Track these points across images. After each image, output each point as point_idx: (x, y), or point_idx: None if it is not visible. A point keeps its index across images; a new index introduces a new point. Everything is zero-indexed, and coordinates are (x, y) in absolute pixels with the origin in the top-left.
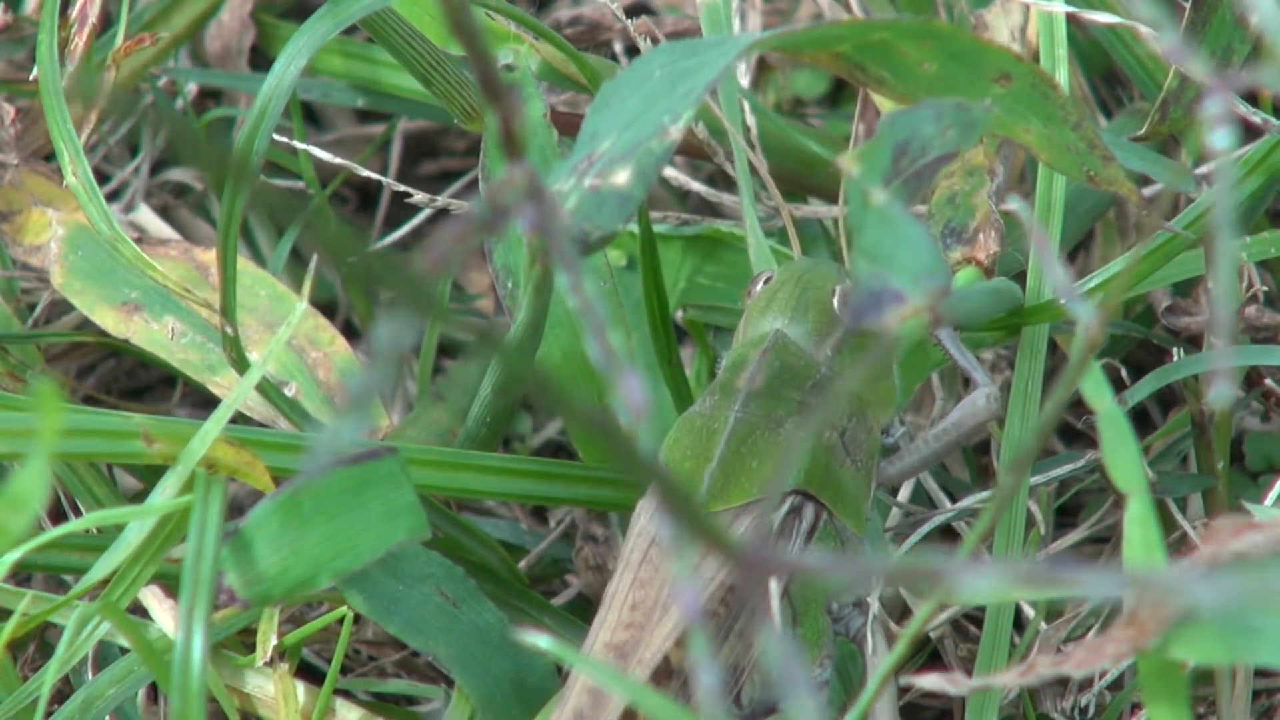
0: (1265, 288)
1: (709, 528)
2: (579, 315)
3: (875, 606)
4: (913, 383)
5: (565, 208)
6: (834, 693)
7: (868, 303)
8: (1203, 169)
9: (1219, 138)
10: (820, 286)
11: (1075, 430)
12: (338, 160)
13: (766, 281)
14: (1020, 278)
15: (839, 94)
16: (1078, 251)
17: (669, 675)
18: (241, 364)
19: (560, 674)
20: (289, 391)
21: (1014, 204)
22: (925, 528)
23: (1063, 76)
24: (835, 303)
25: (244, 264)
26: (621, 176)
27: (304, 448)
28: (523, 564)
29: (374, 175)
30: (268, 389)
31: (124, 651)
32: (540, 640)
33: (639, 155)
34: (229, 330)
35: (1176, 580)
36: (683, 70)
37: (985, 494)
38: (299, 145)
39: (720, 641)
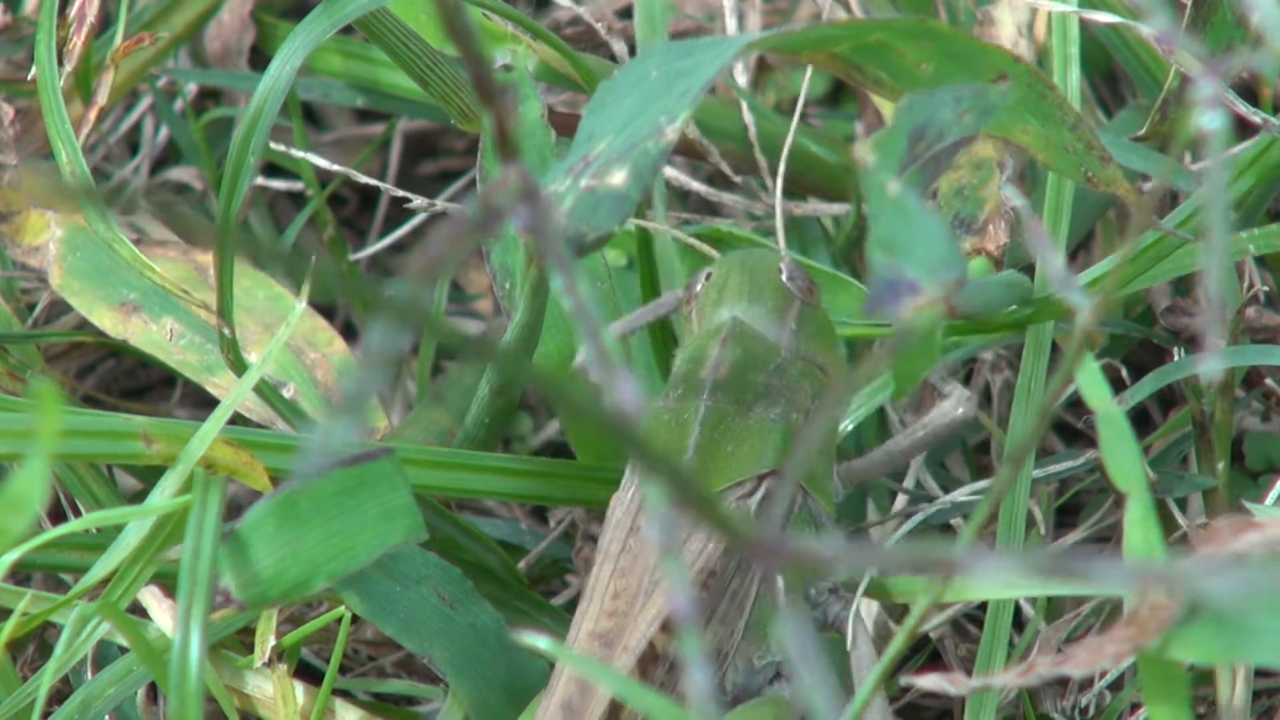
0: (1266, 288)
1: (714, 509)
2: (572, 318)
3: (859, 600)
4: (917, 372)
5: (562, 209)
6: None
7: (884, 293)
8: (1200, 165)
9: (1209, 120)
10: (767, 268)
11: (1075, 430)
12: (335, 167)
13: (708, 277)
14: (1028, 271)
15: (839, 94)
16: (1078, 251)
17: (655, 661)
18: (239, 366)
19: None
20: (287, 393)
21: (1018, 202)
22: (919, 516)
23: (1073, 75)
24: (785, 279)
25: (241, 265)
26: (618, 177)
27: (301, 449)
28: (522, 564)
29: (372, 181)
30: (265, 390)
31: (123, 651)
32: (540, 641)
33: (635, 156)
34: (226, 332)
35: (1183, 573)
36: (679, 70)
37: (983, 483)
38: (297, 154)
39: (702, 627)
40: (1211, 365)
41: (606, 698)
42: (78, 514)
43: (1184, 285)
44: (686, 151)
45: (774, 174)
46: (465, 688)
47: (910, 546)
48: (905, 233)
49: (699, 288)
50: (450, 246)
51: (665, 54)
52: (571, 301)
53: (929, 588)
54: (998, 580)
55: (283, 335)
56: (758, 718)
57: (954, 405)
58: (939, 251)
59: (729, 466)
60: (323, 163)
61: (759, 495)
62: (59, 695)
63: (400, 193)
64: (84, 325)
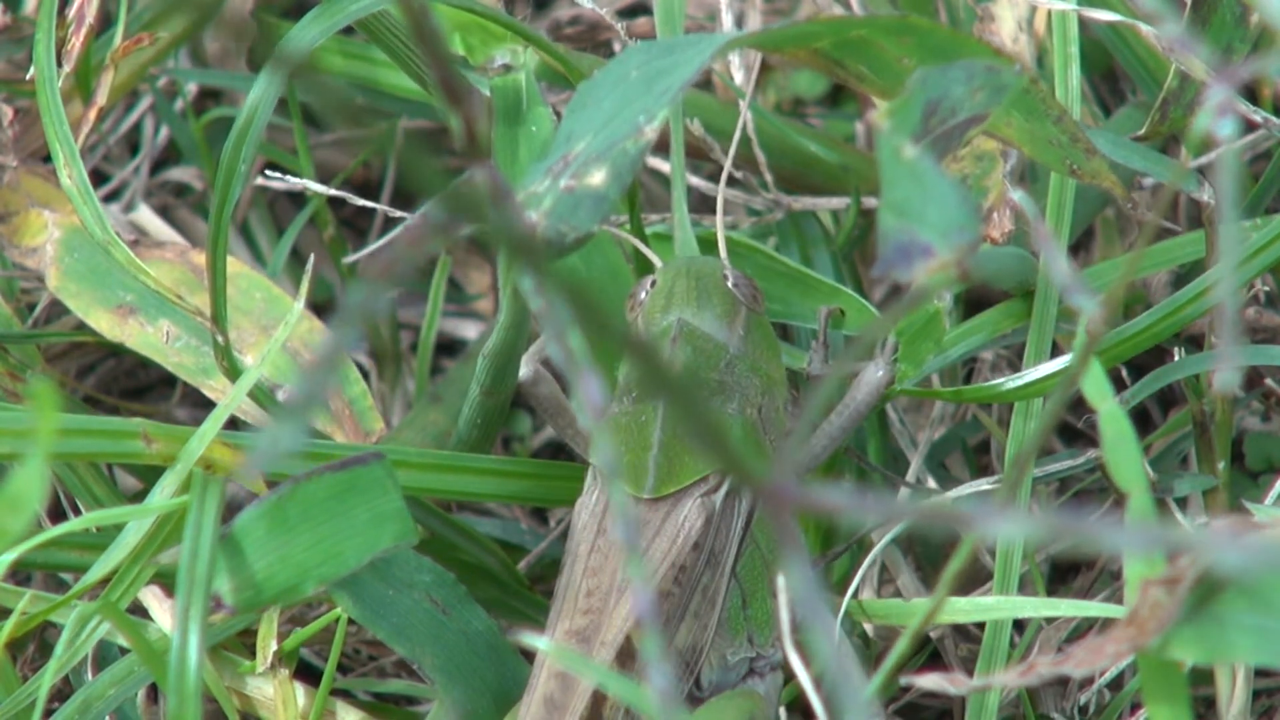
0: (1266, 288)
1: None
2: (540, 319)
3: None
4: (923, 355)
5: (541, 209)
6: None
7: (896, 257)
8: (1198, 160)
9: (1222, 126)
10: (711, 274)
11: (1076, 430)
12: (330, 191)
13: (652, 285)
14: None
15: (839, 94)
16: (1077, 250)
17: (633, 656)
18: (234, 371)
19: None
20: (281, 395)
21: (1025, 206)
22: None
23: (1073, 74)
24: (730, 285)
25: (239, 266)
26: (597, 177)
27: (297, 451)
28: (522, 564)
29: (368, 203)
30: (260, 393)
31: (124, 651)
32: (539, 641)
33: (614, 156)
34: (219, 339)
35: (1192, 540)
36: (659, 70)
37: (983, 482)
38: (293, 180)
39: (675, 624)
40: (1229, 378)
41: (588, 691)
42: (78, 513)
43: (1184, 281)
44: (688, 149)
45: (771, 169)
46: (455, 694)
47: (920, 502)
48: (919, 196)
49: (643, 295)
50: (410, 249)
51: (645, 53)
52: (539, 303)
53: (914, 609)
54: (1016, 536)
55: (281, 336)
56: (732, 709)
57: (874, 370)
58: (952, 215)
59: (694, 462)
60: (319, 188)
61: (724, 489)
62: (59, 695)
63: (397, 213)
64: (84, 325)
